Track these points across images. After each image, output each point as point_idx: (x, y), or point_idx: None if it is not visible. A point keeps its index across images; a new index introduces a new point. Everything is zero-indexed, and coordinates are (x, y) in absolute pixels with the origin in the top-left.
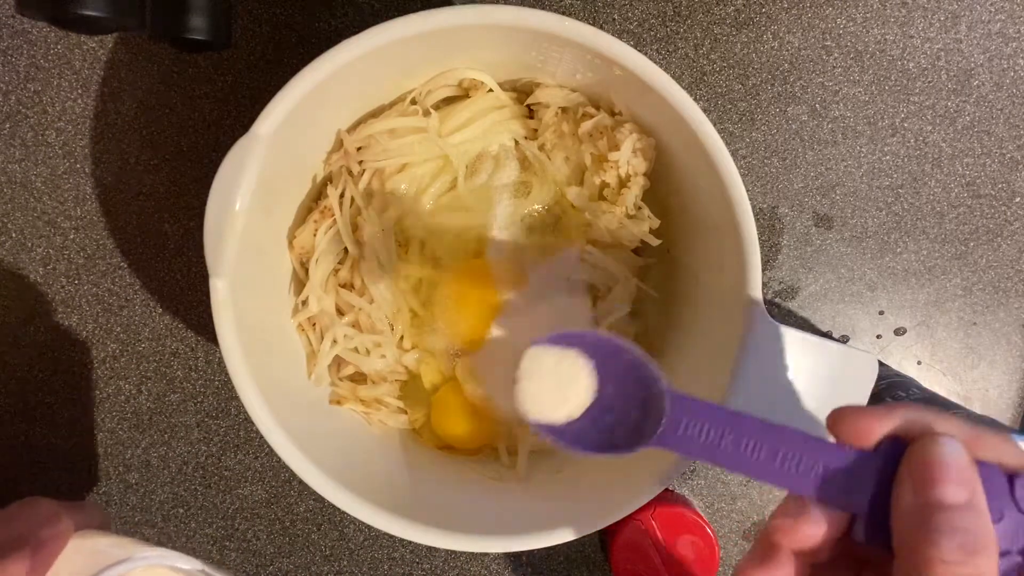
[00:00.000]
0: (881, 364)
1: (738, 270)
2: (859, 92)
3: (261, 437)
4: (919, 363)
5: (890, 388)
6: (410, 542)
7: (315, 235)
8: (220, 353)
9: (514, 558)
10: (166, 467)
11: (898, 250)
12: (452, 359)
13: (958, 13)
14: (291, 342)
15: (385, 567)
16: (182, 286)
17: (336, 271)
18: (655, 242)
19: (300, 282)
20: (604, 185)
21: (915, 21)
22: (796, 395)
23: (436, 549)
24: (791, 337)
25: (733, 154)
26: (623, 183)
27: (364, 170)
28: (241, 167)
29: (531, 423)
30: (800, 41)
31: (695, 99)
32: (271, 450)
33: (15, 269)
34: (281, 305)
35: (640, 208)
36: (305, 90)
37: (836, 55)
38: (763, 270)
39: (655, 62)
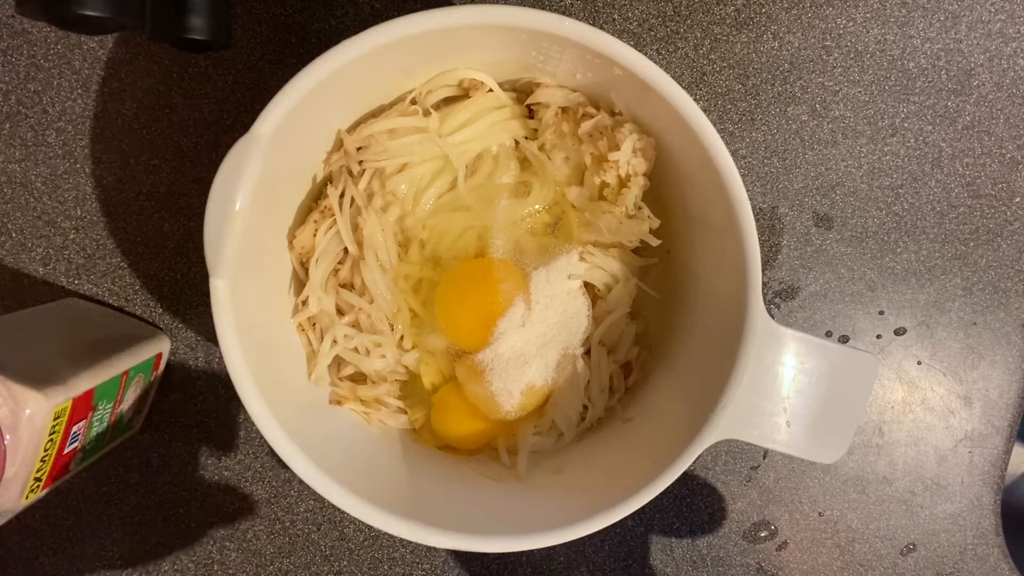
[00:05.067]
0: None
1: (738, 270)
2: (859, 92)
3: (261, 437)
4: (919, 363)
5: None
6: (410, 542)
7: (315, 235)
8: (220, 353)
9: (514, 558)
10: (166, 467)
11: (898, 250)
12: (452, 359)
13: (958, 13)
14: (291, 342)
15: (385, 567)
16: (182, 286)
17: (336, 271)
18: (655, 242)
19: (300, 282)
20: (604, 185)
21: (915, 21)
22: (796, 395)
23: (436, 549)
24: (791, 337)
25: (733, 154)
26: (623, 183)
27: (364, 170)
28: (241, 167)
29: None
30: (800, 41)
31: (695, 99)
32: (271, 450)
33: (15, 269)
34: (281, 305)
35: (640, 208)
36: (305, 90)
37: (836, 55)
38: (763, 270)
39: (655, 62)
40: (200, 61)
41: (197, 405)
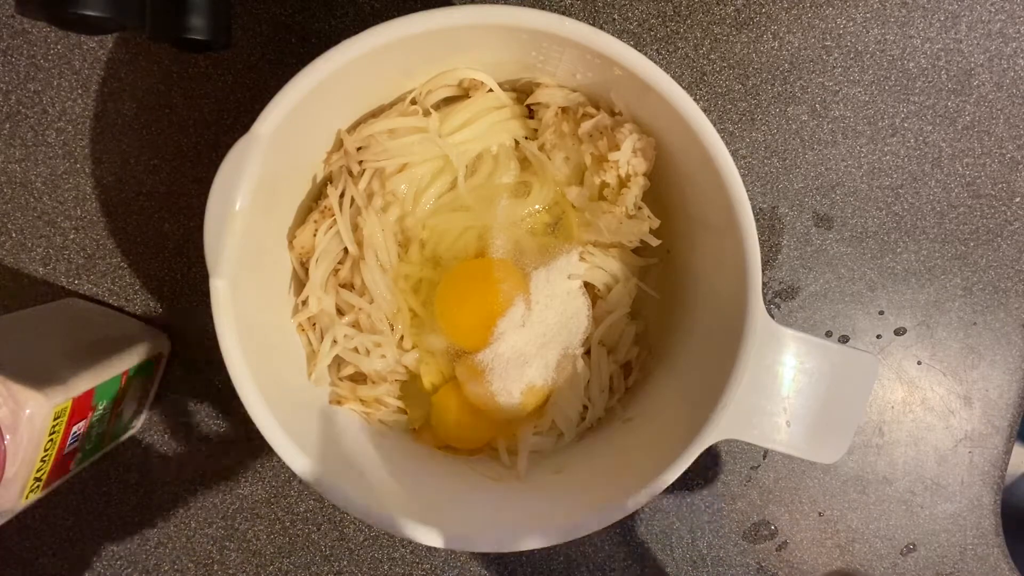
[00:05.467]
0: None
1: (738, 270)
2: (859, 92)
3: (261, 437)
4: (919, 363)
5: None
6: (410, 542)
7: (315, 235)
8: (220, 353)
9: (514, 558)
10: (166, 467)
11: (898, 250)
12: (452, 359)
13: (958, 13)
14: (291, 342)
15: (385, 567)
16: (182, 286)
17: (336, 271)
18: (655, 242)
19: (300, 282)
20: (604, 185)
21: (915, 21)
22: (796, 396)
23: (436, 549)
24: (791, 337)
25: (733, 154)
26: (623, 183)
27: (364, 170)
28: (241, 167)
29: None
30: (800, 41)
31: (695, 99)
32: (271, 450)
33: (15, 269)
34: (281, 305)
35: (640, 208)
36: (305, 90)
37: (836, 55)
38: (763, 270)
39: (655, 62)
40: (200, 61)
41: (197, 405)
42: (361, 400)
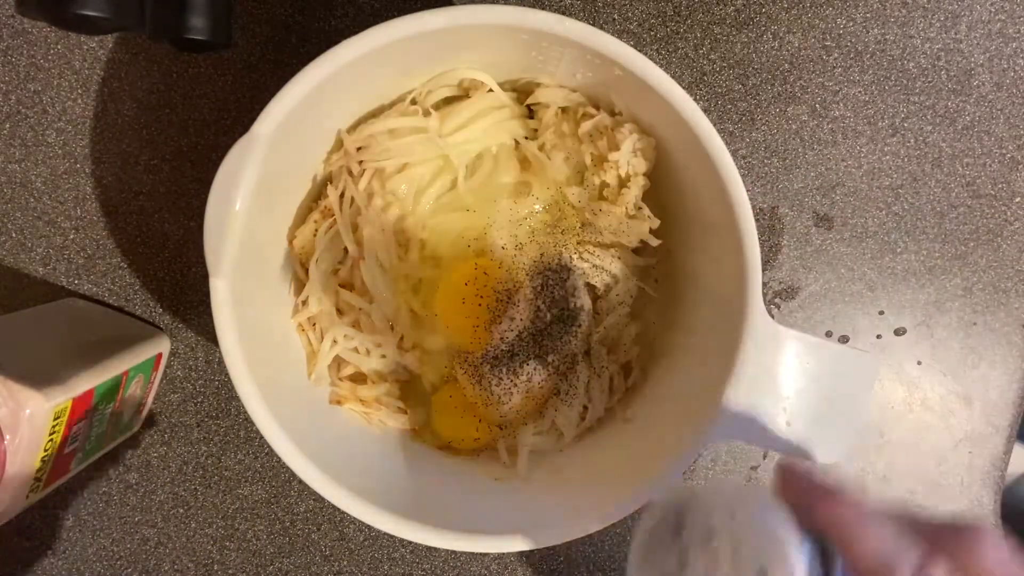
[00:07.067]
0: None
1: (738, 270)
2: (859, 92)
3: (261, 437)
4: (919, 363)
5: None
6: (410, 542)
7: (315, 235)
8: (220, 353)
9: (514, 558)
10: (166, 467)
11: (898, 250)
12: (452, 359)
13: (958, 13)
14: (291, 342)
15: (385, 567)
16: (182, 286)
17: (336, 271)
18: (655, 242)
19: (300, 282)
20: (604, 185)
21: (915, 21)
22: (796, 396)
23: (436, 549)
24: (791, 337)
25: (733, 154)
26: (623, 183)
27: (364, 170)
28: (241, 167)
29: None
30: (800, 41)
31: (695, 99)
32: (271, 450)
33: (15, 269)
34: (281, 305)
35: (640, 208)
36: (305, 90)
37: (836, 55)
38: (763, 270)
39: (655, 62)
40: (200, 61)
41: (197, 405)
42: (361, 400)
